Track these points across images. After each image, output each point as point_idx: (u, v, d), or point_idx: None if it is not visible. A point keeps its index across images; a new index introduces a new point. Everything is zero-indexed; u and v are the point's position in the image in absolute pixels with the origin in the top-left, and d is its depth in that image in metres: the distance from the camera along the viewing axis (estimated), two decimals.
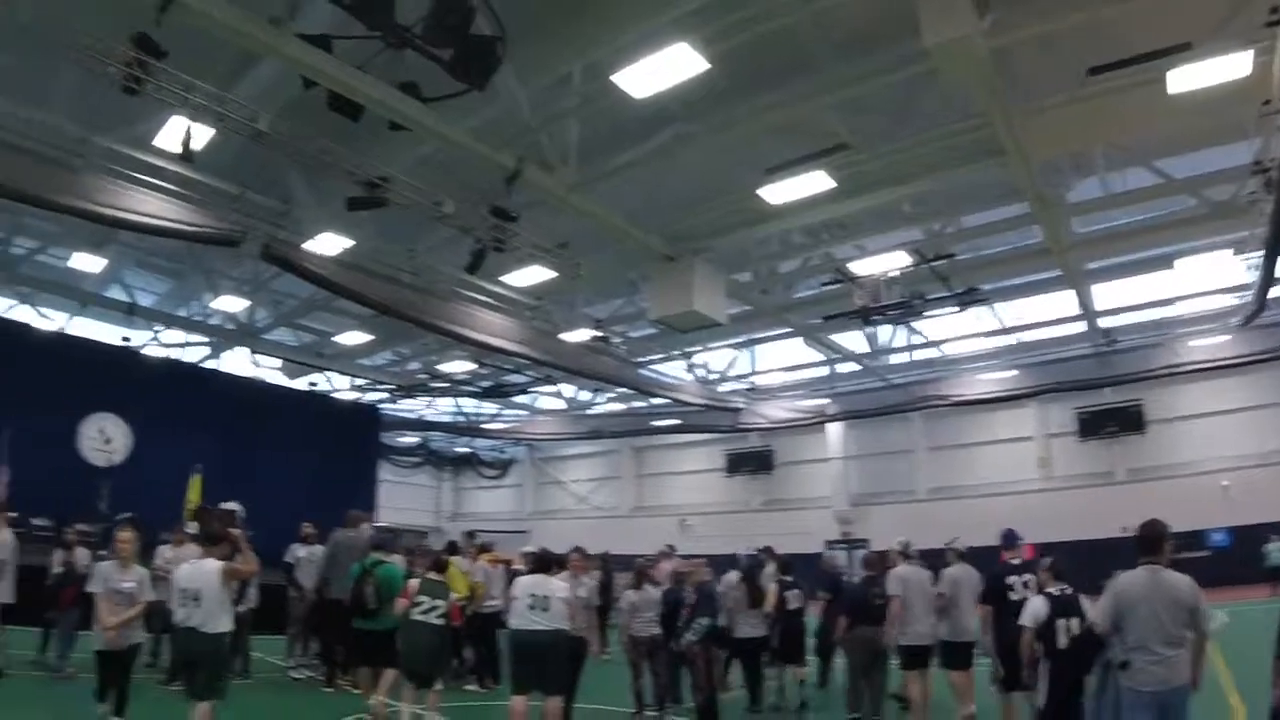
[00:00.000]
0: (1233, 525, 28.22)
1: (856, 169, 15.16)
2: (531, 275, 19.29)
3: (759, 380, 34.26)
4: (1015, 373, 30.34)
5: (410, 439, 45.45)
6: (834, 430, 36.12)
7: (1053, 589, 7.94)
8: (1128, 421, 31.37)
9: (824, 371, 33.00)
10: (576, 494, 47.12)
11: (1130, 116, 14.13)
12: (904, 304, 19.72)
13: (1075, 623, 7.54)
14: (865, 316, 20.23)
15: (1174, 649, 6.21)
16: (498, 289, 21.72)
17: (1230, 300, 25.82)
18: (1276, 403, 30.05)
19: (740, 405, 34.24)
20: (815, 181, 15.10)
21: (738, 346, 31.85)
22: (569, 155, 15.52)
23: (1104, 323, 27.15)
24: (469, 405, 41.28)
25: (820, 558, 15.21)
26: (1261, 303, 22.57)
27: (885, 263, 19.29)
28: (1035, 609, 7.76)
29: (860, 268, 19.65)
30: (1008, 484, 32.78)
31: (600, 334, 24.25)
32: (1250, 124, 14.30)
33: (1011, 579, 9.15)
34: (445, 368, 31.49)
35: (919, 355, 31.13)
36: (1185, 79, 12.32)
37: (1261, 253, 18.67)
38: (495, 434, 43.69)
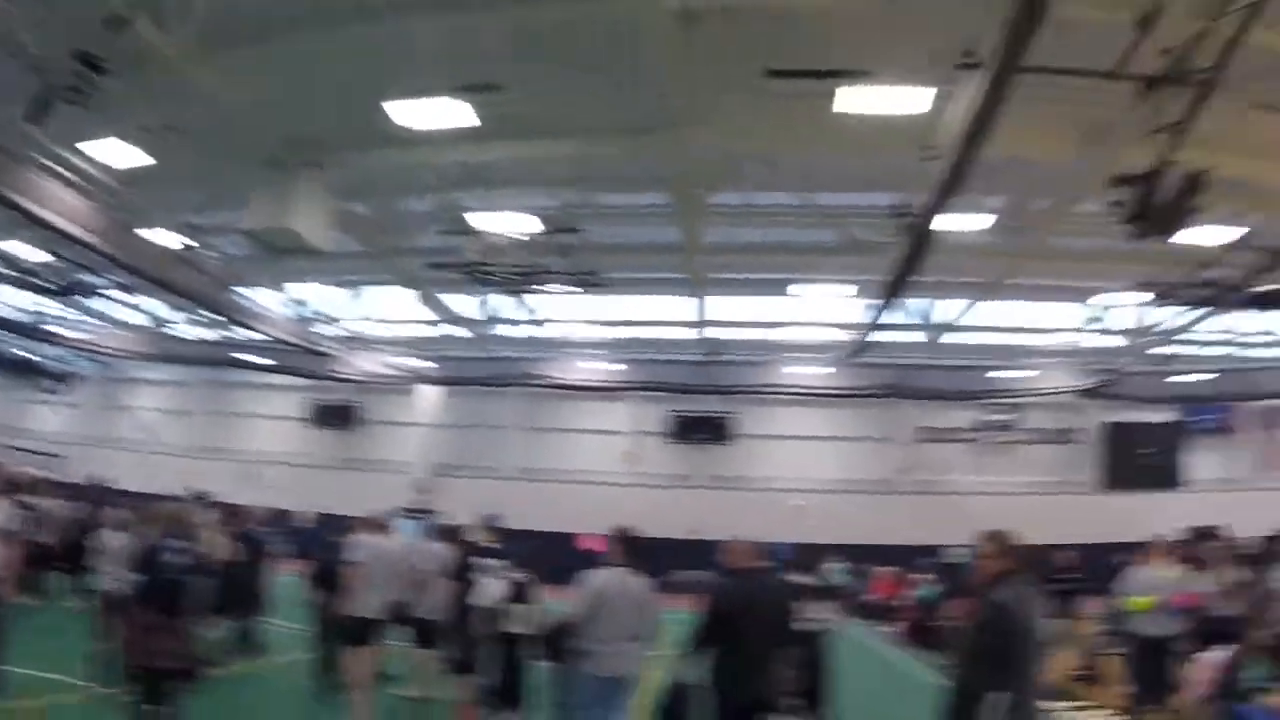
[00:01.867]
0: (798, 542, 28.94)
1: (505, 110, 13.88)
2: (119, 153, 16.48)
3: (360, 328, 31.90)
4: (620, 366, 30.60)
5: None
6: (428, 394, 34.62)
7: (510, 576, 8.34)
8: (717, 431, 33.23)
9: (429, 332, 31.59)
10: (143, 424, 42.23)
11: (793, 128, 13.94)
12: (521, 271, 18.79)
13: (526, 609, 8.10)
14: (475, 274, 19.09)
15: (630, 643, 7.10)
16: (78, 161, 18.43)
17: (835, 335, 27.06)
18: (853, 436, 33.54)
19: (332, 351, 31.45)
20: (456, 112, 13.52)
21: (342, 285, 28.58)
22: (190, 14, 13.16)
23: (712, 333, 27.66)
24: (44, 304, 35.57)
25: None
26: (864, 343, 23.62)
27: (512, 223, 18.14)
28: (492, 591, 8.23)
29: (484, 223, 18.38)
30: (596, 473, 33.21)
31: (191, 242, 21.41)
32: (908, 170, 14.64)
33: (474, 560, 9.40)
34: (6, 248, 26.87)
35: (527, 332, 30.34)
36: (855, 99, 12.25)
37: (878, 298, 19.35)
38: (61, 340, 37.76)
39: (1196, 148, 12.30)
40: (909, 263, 16.54)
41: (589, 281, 19.84)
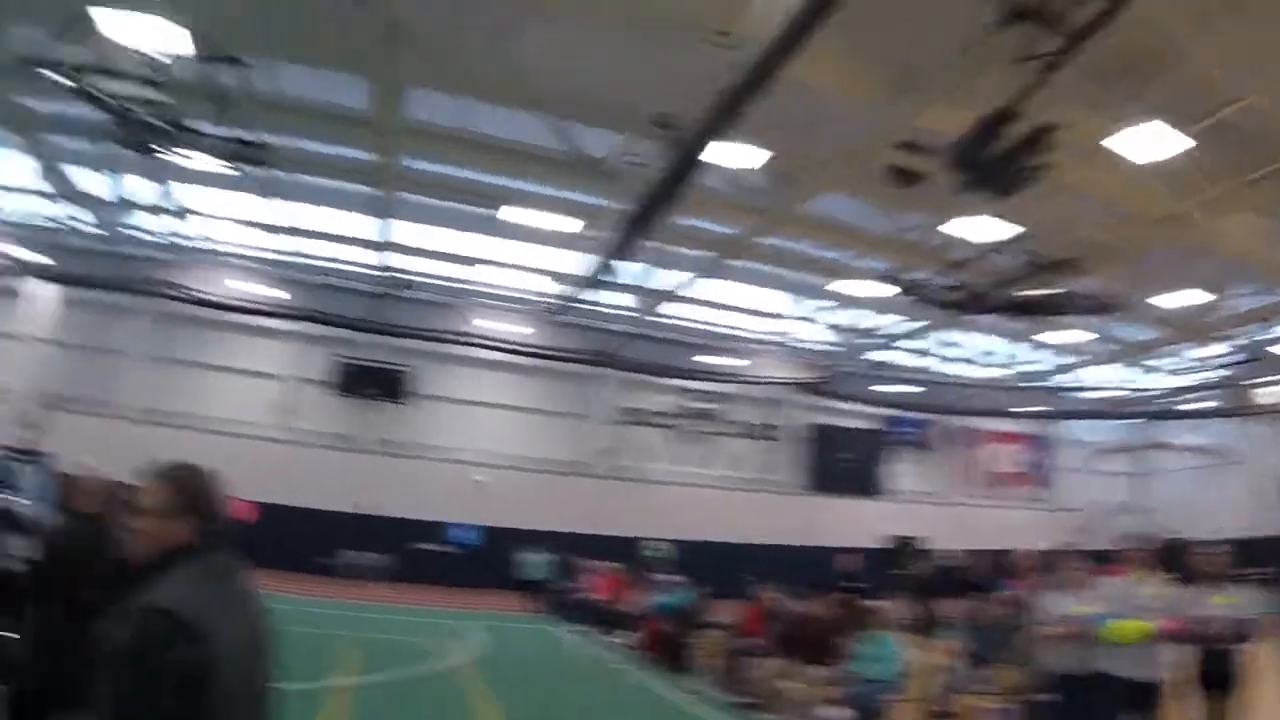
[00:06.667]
0: (482, 524, 28.31)
1: None
2: None
3: None
4: (281, 294, 25.69)
5: None
6: (41, 298, 27.08)
7: None
8: (391, 387, 28.74)
9: (45, 208, 23.91)
10: None
11: None
12: (156, 112, 13.50)
13: None
14: (84, 91, 12.87)
15: None
16: None
17: (541, 284, 24.38)
18: (547, 410, 30.75)
19: None
20: None
21: None
22: None
23: (398, 261, 23.72)
24: None
25: None
26: (573, 300, 20.51)
27: (148, 32, 11.82)
28: None
29: (113, 27, 11.91)
30: (240, 424, 27.73)
31: None
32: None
33: None
34: None
35: (169, 227, 24.32)
36: None
37: (606, 234, 16.17)
38: None
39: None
40: (665, 191, 13.21)
41: (248, 155, 14.87)
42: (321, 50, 14.77)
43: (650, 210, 14.08)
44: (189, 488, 2.80)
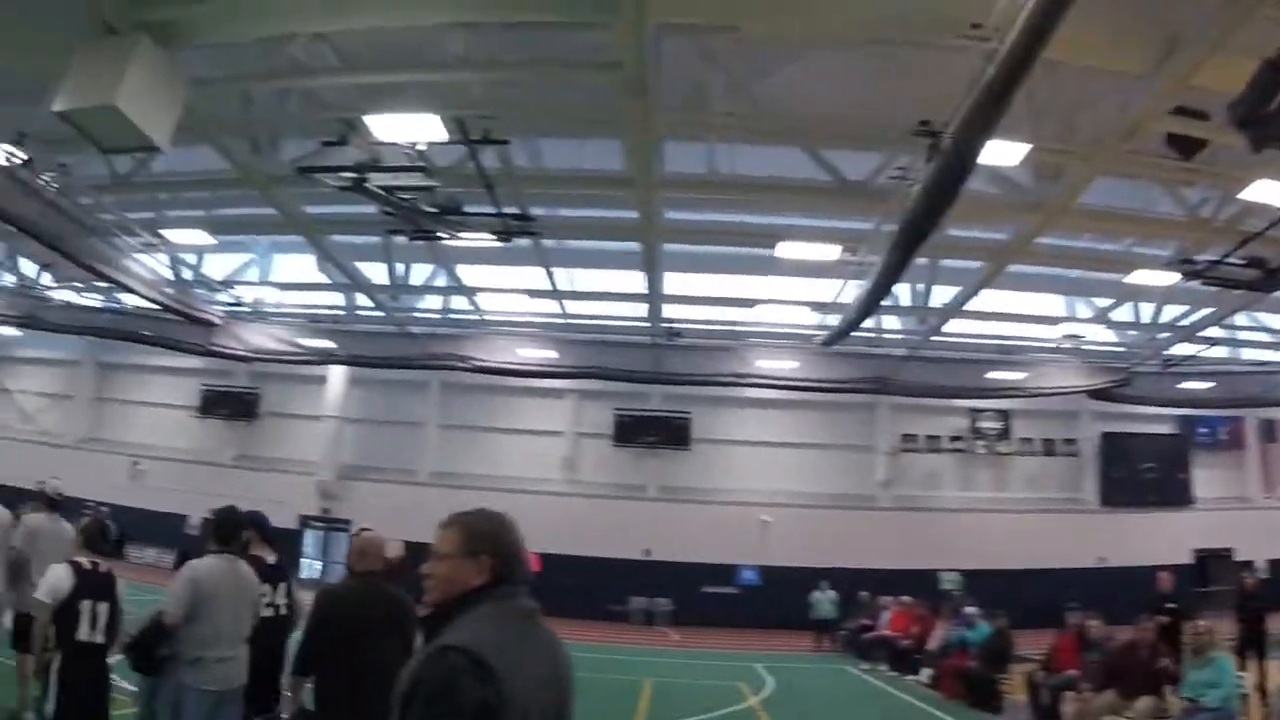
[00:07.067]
0: (764, 564, 28.60)
1: None
2: None
3: (252, 294, 25.91)
4: (555, 354, 26.49)
5: None
6: (336, 383, 30.39)
7: (84, 559, 6.20)
8: (671, 435, 29.86)
9: (333, 299, 26.63)
10: (23, 409, 35.68)
11: None
12: (427, 199, 14.38)
13: (105, 608, 6.13)
14: (358, 182, 13.56)
15: (240, 648, 5.91)
16: None
17: (811, 318, 23.85)
18: (827, 444, 30.67)
19: (216, 320, 25.53)
20: None
21: (218, 230, 20.60)
22: None
23: (668, 311, 23.70)
24: None
25: None
26: (846, 328, 20.04)
27: (413, 127, 12.75)
28: (56, 581, 6.04)
29: (383, 128, 12.82)
30: (525, 481, 29.55)
31: (21, 154, 15.04)
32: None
33: None
34: None
35: (445, 304, 26.61)
36: None
37: (875, 258, 15.99)
38: None
39: None
40: (937, 199, 12.65)
41: (516, 228, 15.51)
42: (573, 120, 15.35)
43: (923, 222, 13.56)
44: (482, 531, 2.78)
